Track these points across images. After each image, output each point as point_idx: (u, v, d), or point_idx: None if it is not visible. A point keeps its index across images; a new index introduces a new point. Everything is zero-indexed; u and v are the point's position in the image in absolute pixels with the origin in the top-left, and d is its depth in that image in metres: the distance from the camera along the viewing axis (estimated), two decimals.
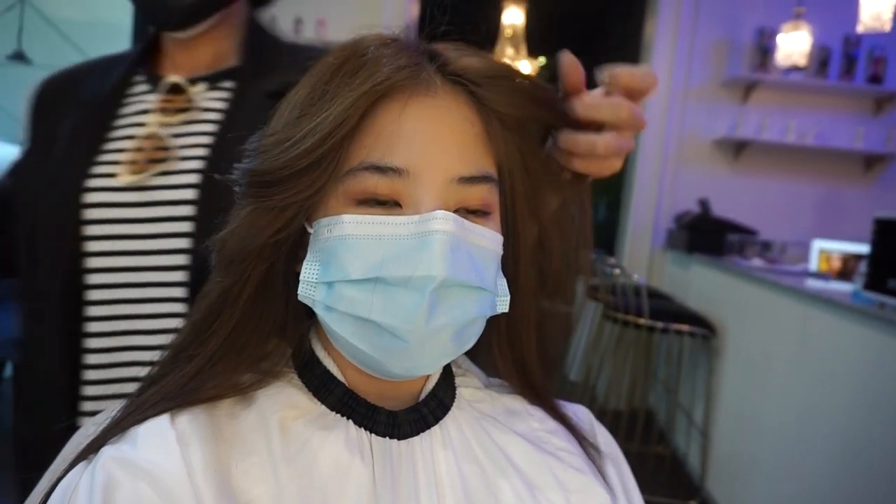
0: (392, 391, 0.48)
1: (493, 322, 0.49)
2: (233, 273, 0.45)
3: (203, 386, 0.44)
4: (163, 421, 0.41)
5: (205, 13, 0.69)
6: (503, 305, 0.47)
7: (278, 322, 0.48)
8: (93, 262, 0.66)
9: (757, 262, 2.74)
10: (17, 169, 0.75)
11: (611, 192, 4.17)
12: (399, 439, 0.46)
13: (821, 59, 3.26)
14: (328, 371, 0.47)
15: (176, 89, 0.70)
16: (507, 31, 4.11)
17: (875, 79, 3.26)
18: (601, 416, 0.58)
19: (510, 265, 0.49)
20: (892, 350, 1.53)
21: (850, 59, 3.26)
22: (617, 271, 2.79)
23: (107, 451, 0.40)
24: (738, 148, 3.42)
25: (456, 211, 0.43)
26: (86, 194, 0.66)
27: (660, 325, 2.54)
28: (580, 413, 0.57)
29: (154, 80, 0.72)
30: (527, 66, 4.17)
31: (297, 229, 0.45)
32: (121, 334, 0.66)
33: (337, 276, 0.42)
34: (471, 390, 0.53)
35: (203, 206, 0.65)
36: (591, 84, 0.50)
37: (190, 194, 0.65)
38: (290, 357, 0.49)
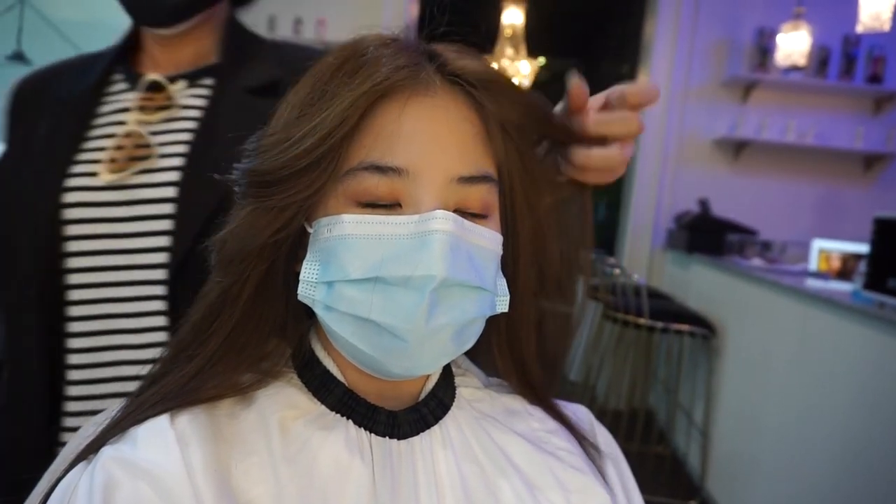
0: (392, 391, 0.48)
1: (493, 322, 0.49)
2: (232, 273, 0.45)
3: (203, 386, 0.44)
4: (162, 421, 0.41)
5: (192, 11, 0.69)
6: (503, 305, 0.47)
7: (278, 322, 0.48)
8: (73, 263, 0.65)
9: (757, 261, 2.74)
10: None
11: (611, 192, 4.17)
12: (399, 439, 0.46)
13: (820, 58, 3.27)
14: (328, 371, 0.47)
15: (155, 87, 0.70)
16: (507, 31, 4.11)
17: (875, 78, 3.26)
18: (601, 416, 0.58)
19: (510, 265, 0.49)
20: (892, 350, 1.53)
21: (849, 58, 3.26)
22: (617, 271, 2.79)
23: (106, 452, 0.40)
24: (738, 148, 3.42)
25: (455, 212, 0.43)
26: (65, 194, 0.66)
27: (660, 325, 2.54)
28: (580, 413, 0.57)
29: (133, 78, 0.71)
30: (526, 66, 4.16)
31: (296, 229, 0.45)
32: (103, 334, 0.66)
33: (337, 275, 0.42)
34: (470, 390, 0.53)
35: (183, 204, 0.65)
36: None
37: (170, 192, 0.65)
38: (289, 357, 0.49)
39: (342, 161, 0.42)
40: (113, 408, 0.45)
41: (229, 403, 0.45)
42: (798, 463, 1.90)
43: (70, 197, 0.66)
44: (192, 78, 0.71)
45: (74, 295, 0.66)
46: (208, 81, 0.72)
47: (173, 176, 0.66)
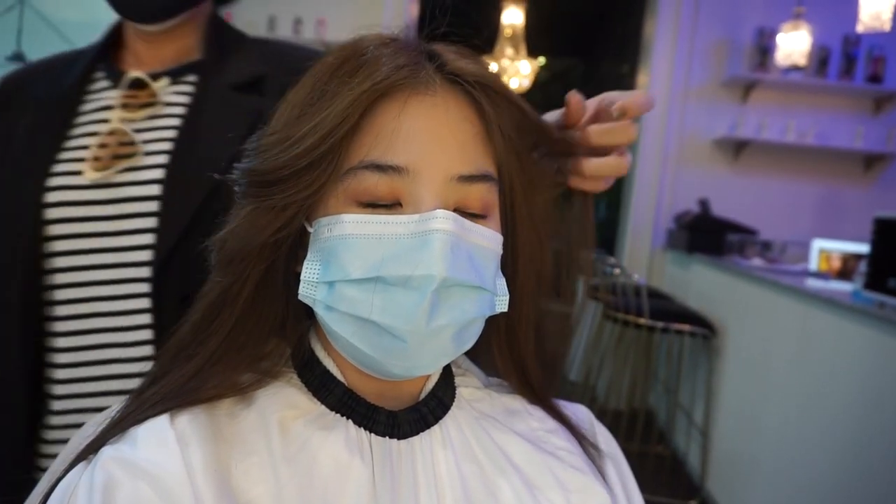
0: (392, 391, 0.48)
1: (493, 322, 0.49)
2: (232, 272, 0.45)
3: (202, 386, 0.44)
4: (162, 421, 0.41)
5: (180, 8, 0.69)
6: (502, 305, 0.47)
7: (277, 321, 0.48)
8: (57, 263, 0.65)
9: (757, 261, 2.74)
10: None
11: (611, 192, 4.16)
12: (399, 439, 0.46)
13: (820, 58, 3.26)
14: (328, 371, 0.47)
15: (138, 84, 0.70)
16: (507, 31, 4.11)
17: (875, 78, 3.26)
18: (601, 416, 0.58)
19: (509, 265, 0.49)
20: (892, 350, 1.53)
21: (849, 58, 3.26)
22: (617, 271, 2.79)
23: (106, 452, 0.40)
24: (738, 148, 3.42)
25: (455, 211, 0.43)
26: (47, 194, 0.65)
27: (660, 324, 2.54)
28: (580, 412, 0.57)
29: (115, 76, 0.71)
30: (526, 66, 4.17)
31: (297, 229, 0.45)
32: (88, 333, 0.65)
33: (337, 275, 0.42)
34: (470, 390, 0.53)
35: (167, 202, 0.65)
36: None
37: (155, 190, 0.65)
38: (289, 357, 0.49)
39: (342, 160, 0.42)
40: (113, 408, 0.45)
41: (229, 403, 0.45)
42: (798, 463, 1.90)
43: (53, 196, 0.65)
44: (175, 75, 0.71)
45: (59, 295, 0.65)
46: (191, 78, 0.71)
47: (158, 174, 0.65)
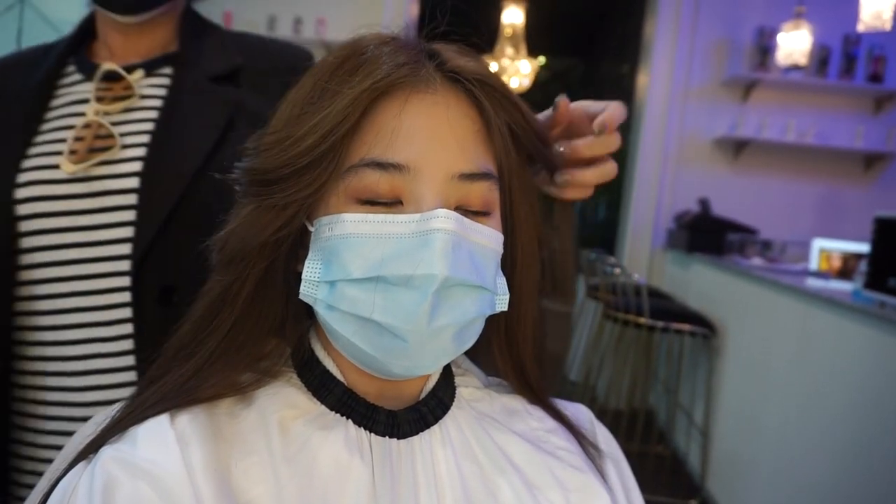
0: (392, 391, 0.48)
1: (493, 321, 0.49)
2: (233, 271, 0.45)
3: (202, 385, 0.44)
4: (162, 421, 0.41)
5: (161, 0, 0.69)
6: (502, 304, 0.47)
7: (277, 321, 0.48)
8: (36, 258, 0.65)
9: (757, 261, 2.74)
10: None
11: (611, 192, 4.17)
12: (399, 439, 0.46)
13: (821, 58, 3.26)
14: (328, 371, 0.47)
15: (112, 77, 0.69)
16: (507, 31, 4.11)
17: (875, 78, 3.26)
18: (601, 415, 0.58)
19: (509, 264, 0.49)
20: (892, 350, 1.53)
21: (849, 58, 3.26)
22: (617, 271, 2.79)
23: (106, 451, 0.40)
24: (738, 147, 3.42)
25: (456, 209, 0.43)
26: (20, 189, 0.64)
27: (660, 324, 2.54)
28: (580, 412, 0.57)
29: (88, 69, 0.71)
30: (526, 66, 4.17)
31: (297, 228, 0.45)
32: (70, 328, 0.65)
33: (339, 275, 0.42)
34: (470, 390, 0.53)
35: (146, 195, 0.64)
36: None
37: (134, 182, 0.65)
38: (289, 356, 0.49)
39: (343, 159, 0.42)
40: (113, 407, 0.45)
41: (229, 403, 0.45)
42: (798, 463, 1.90)
43: (28, 192, 0.65)
44: (150, 67, 0.71)
45: (39, 290, 0.65)
46: (167, 71, 0.71)
47: (136, 166, 0.65)
